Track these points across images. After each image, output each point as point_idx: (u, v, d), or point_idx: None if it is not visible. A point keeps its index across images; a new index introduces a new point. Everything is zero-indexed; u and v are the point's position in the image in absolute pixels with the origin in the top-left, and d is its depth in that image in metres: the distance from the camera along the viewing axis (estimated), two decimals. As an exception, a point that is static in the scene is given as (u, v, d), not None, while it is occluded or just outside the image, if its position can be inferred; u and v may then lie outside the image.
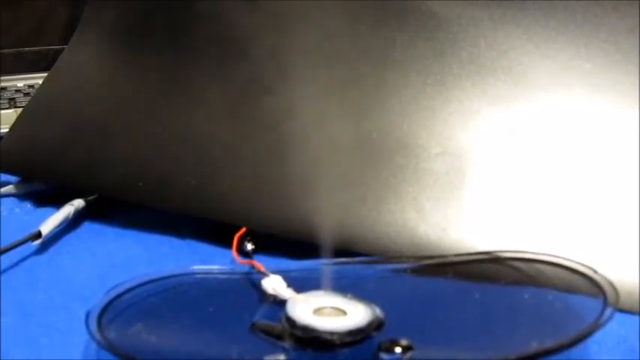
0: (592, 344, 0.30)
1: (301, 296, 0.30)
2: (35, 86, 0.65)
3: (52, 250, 0.40)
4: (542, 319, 0.29)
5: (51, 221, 0.40)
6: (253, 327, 0.29)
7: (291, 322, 0.28)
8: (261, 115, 0.42)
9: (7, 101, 0.63)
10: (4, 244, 0.38)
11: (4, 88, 0.66)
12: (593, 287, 0.30)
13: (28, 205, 0.46)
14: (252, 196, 0.39)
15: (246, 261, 0.35)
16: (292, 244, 0.37)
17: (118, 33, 0.48)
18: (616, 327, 0.31)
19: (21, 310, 0.34)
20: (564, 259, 0.32)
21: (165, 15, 0.47)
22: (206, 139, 0.42)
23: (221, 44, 0.44)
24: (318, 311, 0.29)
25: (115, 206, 0.43)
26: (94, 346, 0.29)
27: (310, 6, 0.44)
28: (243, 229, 0.38)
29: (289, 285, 0.31)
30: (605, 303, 0.28)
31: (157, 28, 0.47)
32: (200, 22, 0.46)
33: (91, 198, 0.44)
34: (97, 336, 0.28)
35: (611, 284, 0.30)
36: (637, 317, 0.33)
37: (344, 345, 0.27)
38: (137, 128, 0.44)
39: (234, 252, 0.36)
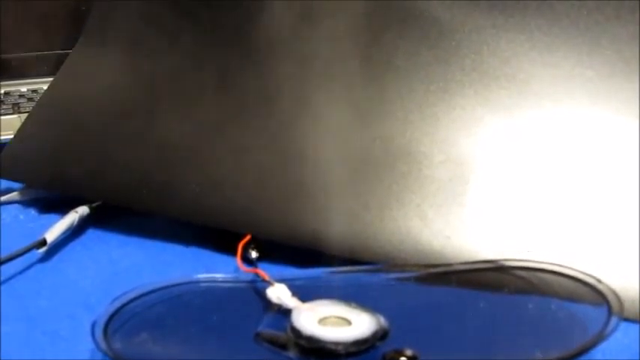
0: (596, 353, 0.30)
1: (306, 305, 0.30)
2: (39, 91, 0.65)
3: (57, 257, 0.40)
4: (546, 329, 0.29)
5: (56, 228, 0.40)
6: (258, 336, 0.29)
7: (296, 331, 0.28)
8: (265, 123, 0.42)
9: (10, 107, 0.63)
10: (9, 252, 0.38)
11: (7, 94, 0.66)
12: (597, 296, 0.30)
13: (33, 212, 0.46)
14: (256, 203, 0.39)
15: (250, 269, 0.35)
16: (296, 252, 0.38)
17: (122, 39, 0.48)
18: (619, 335, 0.31)
19: (26, 318, 0.34)
20: (568, 268, 0.32)
21: (169, 21, 0.47)
22: (210, 147, 0.42)
23: (224, 52, 0.45)
24: (322, 321, 0.29)
25: (119, 213, 0.43)
26: (99, 355, 0.29)
27: (312, 14, 0.44)
28: (247, 237, 0.38)
29: (294, 294, 0.31)
30: (610, 312, 0.28)
31: (161, 35, 0.47)
32: (203, 28, 0.46)
33: (95, 205, 0.44)
34: (104, 346, 0.28)
35: (615, 293, 0.30)
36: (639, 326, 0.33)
37: (349, 355, 0.27)
38: (141, 135, 0.44)
39: (238, 260, 0.36)
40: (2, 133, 0.56)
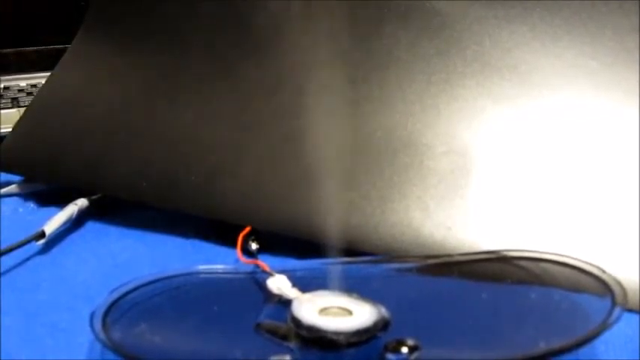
0: (599, 344, 0.30)
1: (306, 296, 0.30)
2: (38, 85, 0.65)
3: (56, 249, 0.40)
4: (549, 319, 0.29)
5: (54, 221, 0.40)
6: (258, 327, 0.29)
7: (296, 322, 0.28)
8: (265, 114, 0.42)
9: (9, 101, 0.63)
10: (8, 244, 0.38)
11: (6, 88, 0.66)
12: (600, 287, 0.30)
13: (32, 205, 0.46)
14: (257, 194, 0.39)
15: (250, 260, 0.35)
16: (296, 243, 0.37)
17: (121, 32, 0.48)
18: (623, 326, 0.31)
19: (25, 311, 0.34)
20: (571, 258, 0.32)
21: (169, 14, 0.47)
22: (210, 138, 0.42)
23: (224, 44, 0.44)
24: (323, 311, 0.29)
25: (119, 205, 0.43)
26: (98, 346, 0.29)
27: (313, 5, 0.44)
28: (248, 229, 0.38)
29: (294, 285, 0.31)
30: (614, 303, 0.28)
31: (161, 27, 0.47)
32: (203, 22, 0.45)
33: (94, 197, 0.44)
34: (102, 336, 0.28)
35: (619, 283, 0.30)
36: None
37: (350, 345, 0.27)
38: (140, 127, 0.44)
39: (238, 251, 0.36)
40: (2, 126, 0.56)
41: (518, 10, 0.40)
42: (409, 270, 0.33)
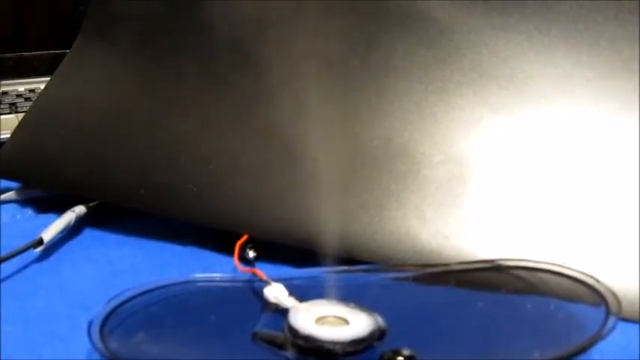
0: (594, 352, 0.30)
1: (303, 305, 0.30)
2: (36, 91, 0.65)
3: (54, 257, 0.40)
4: (544, 329, 0.29)
5: (52, 228, 0.40)
6: (255, 336, 0.29)
7: (293, 331, 0.28)
8: (263, 123, 0.42)
9: (8, 106, 0.63)
10: (6, 251, 0.38)
11: (5, 93, 0.66)
12: (595, 296, 0.30)
13: (30, 212, 0.46)
14: (254, 203, 0.39)
15: (247, 269, 0.35)
16: (294, 251, 0.37)
17: (120, 39, 0.48)
18: (618, 335, 0.31)
19: (22, 318, 0.34)
20: (566, 267, 0.32)
21: (168, 22, 0.47)
22: (208, 147, 0.42)
23: (223, 52, 0.45)
24: (320, 320, 0.29)
25: (117, 213, 0.43)
26: (96, 355, 0.29)
27: (312, 14, 0.44)
28: (245, 237, 0.38)
29: (291, 293, 0.31)
30: (608, 312, 0.28)
31: (159, 35, 0.47)
32: (202, 30, 0.46)
33: (92, 204, 0.44)
34: (100, 346, 0.28)
35: (614, 293, 0.30)
36: (638, 326, 0.33)
37: (346, 355, 0.27)
38: (139, 135, 0.44)
39: (235, 260, 0.36)
40: (0, 132, 0.56)
41: (515, 20, 0.40)
42: (406, 279, 0.34)
